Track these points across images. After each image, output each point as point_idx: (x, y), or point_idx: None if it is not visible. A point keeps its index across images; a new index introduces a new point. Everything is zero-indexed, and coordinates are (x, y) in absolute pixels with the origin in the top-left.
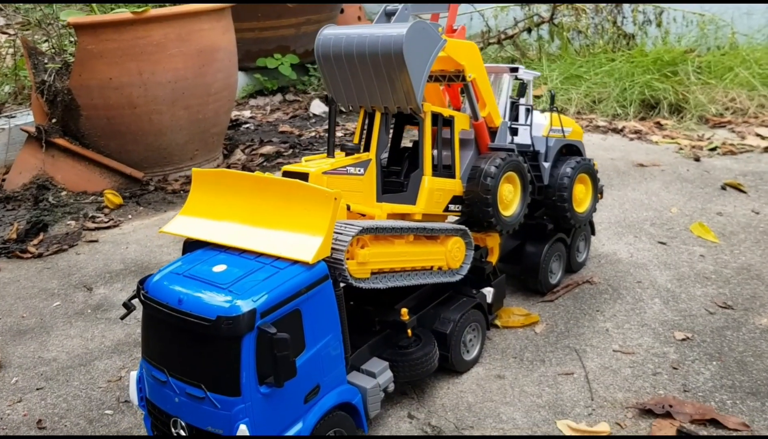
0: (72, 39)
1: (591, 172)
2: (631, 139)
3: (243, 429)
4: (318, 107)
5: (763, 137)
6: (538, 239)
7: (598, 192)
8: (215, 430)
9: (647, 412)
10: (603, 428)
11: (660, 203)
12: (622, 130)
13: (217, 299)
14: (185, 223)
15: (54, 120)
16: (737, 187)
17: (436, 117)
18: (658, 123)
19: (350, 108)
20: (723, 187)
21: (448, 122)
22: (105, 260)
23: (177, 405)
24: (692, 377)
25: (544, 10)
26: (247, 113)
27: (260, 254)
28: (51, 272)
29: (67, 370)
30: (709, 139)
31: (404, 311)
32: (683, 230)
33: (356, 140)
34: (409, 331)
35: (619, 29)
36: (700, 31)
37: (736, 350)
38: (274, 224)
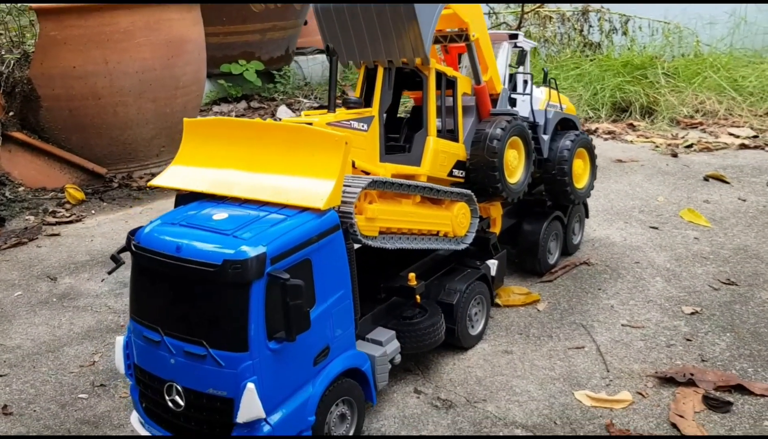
0: (33, 30)
1: (589, 147)
2: (606, 139)
3: (251, 388)
4: (284, 113)
5: (736, 136)
6: (535, 217)
7: (595, 168)
8: (218, 392)
9: (668, 381)
10: (625, 396)
11: (645, 193)
12: (595, 131)
13: (222, 244)
14: (177, 174)
15: (11, 113)
16: (720, 179)
17: (439, 77)
18: (630, 124)
19: (350, 63)
20: (705, 179)
21: (451, 84)
22: (69, 252)
23: (172, 368)
24: (708, 348)
25: (511, 19)
26: None
27: (264, 203)
28: (10, 264)
29: (33, 356)
30: (683, 137)
31: (412, 275)
32: (672, 216)
33: (357, 95)
34: (418, 297)
35: (585, 38)
36: (665, 39)
37: (747, 322)
38: (278, 171)
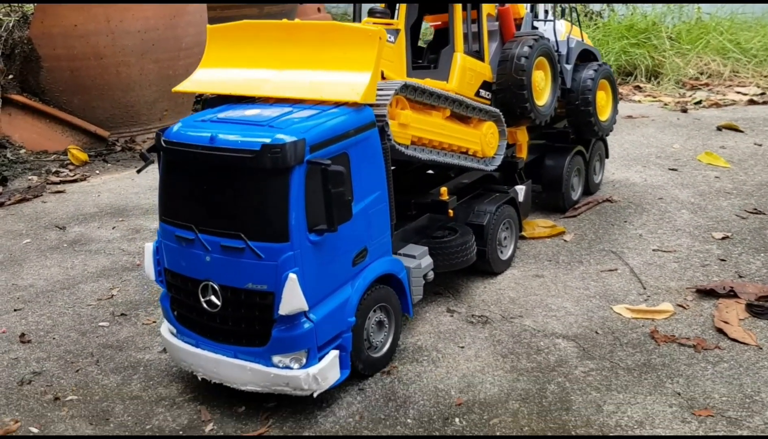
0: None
1: (611, 78)
2: None
3: (293, 278)
4: None
5: (744, 94)
6: (558, 152)
7: (617, 100)
8: (257, 286)
9: (708, 294)
10: (666, 307)
11: (659, 142)
12: None
13: (259, 133)
14: (203, 78)
15: (11, 76)
16: (733, 128)
17: None
18: (637, 86)
19: None
20: (719, 129)
21: (476, 3)
22: (76, 206)
23: (208, 266)
24: (744, 266)
25: None
26: None
27: (298, 102)
28: (16, 217)
29: (48, 293)
30: (692, 96)
31: (444, 190)
32: (690, 160)
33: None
34: (451, 211)
35: (586, 7)
36: (666, 7)
37: None
38: (310, 69)
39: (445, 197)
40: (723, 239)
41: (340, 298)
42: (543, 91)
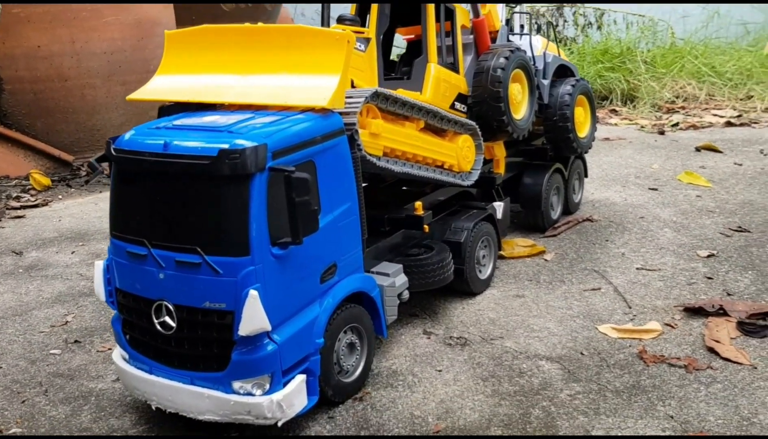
0: None
1: (589, 94)
2: None
3: (254, 295)
4: None
5: (721, 116)
6: (536, 169)
7: (596, 117)
8: (215, 305)
9: (696, 312)
10: (654, 326)
11: (638, 163)
12: None
13: (216, 138)
14: (160, 85)
15: None
16: (712, 149)
17: (438, 5)
18: (613, 110)
19: None
20: (697, 149)
21: (449, 14)
22: (35, 231)
23: (161, 284)
24: (732, 284)
25: None
26: None
27: (262, 108)
28: None
29: None
30: (668, 118)
31: (418, 204)
32: (670, 179)
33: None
34: (426, 226)
35: (560, 34)
36: (640, 33)
37: None
38: (275, 74)
39: (420, 212)
40: (708, 256)
41: (307, 317)
42: (520, 104)
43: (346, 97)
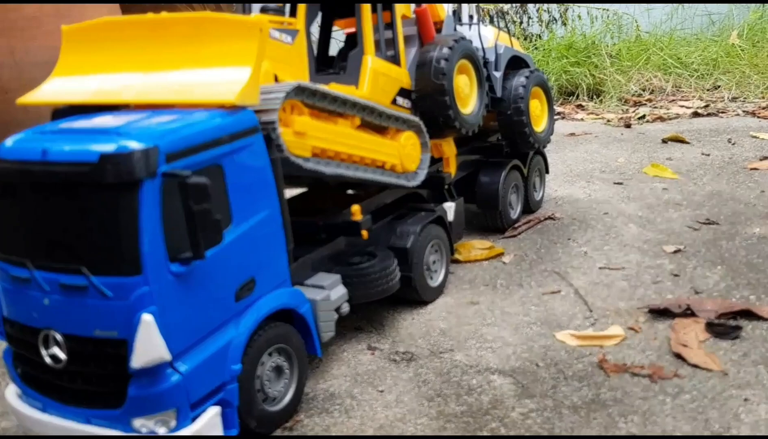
0: None
1: (545, 85)
2: (555, 119)
3: (147, 320)
4: None
5: (688, 107)
6: (492, 167)
7: (553, 110)
8: (106, 333)
9: (662, 313)
10: (616, 331)
11: (603, 158)
12: None
13: (100, 141)
14: (56, 87)
15: None
16: (679, 140)
17: None
18: (579, 105)
19: None
20: (664, 141)
21: (388, 4)
22: None
23: (47, 311)
24: (700, 281)
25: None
26: None
27: (164, 107)
28: None
29: None
30: (634, 112)
31: (356, 208)
32: (636, 173)
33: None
34: (364, 232)
35: (525, 31)
36: (605, 27)
37: (738, 255)
38: (179, 68)
39: (358, 217)
40: (675, 252)
41: (220, 341)
42: (468, 97)
43: (264, 93)
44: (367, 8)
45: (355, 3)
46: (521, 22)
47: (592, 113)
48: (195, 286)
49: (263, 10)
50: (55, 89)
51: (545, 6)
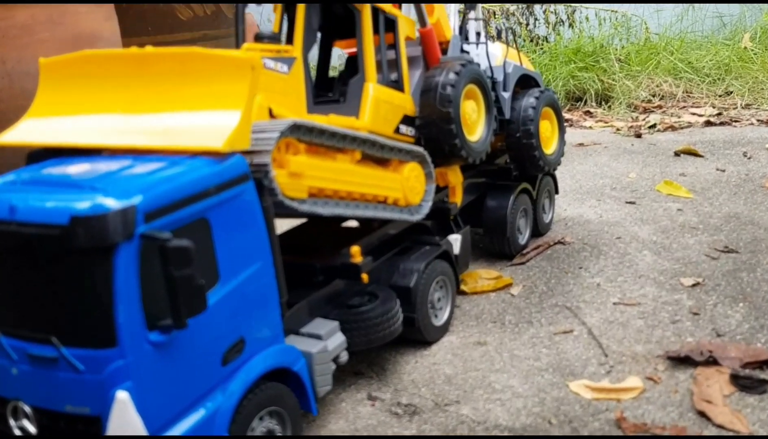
0: None
1: (555, 105)
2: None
3: (122, 399)
4: None
5: (700, 115)
6: (500, 191)
7: (564, 130)
8: (78, 409)
9: (683, 361)
10: (633, 383)
11: (614, 172)
12: None
13: (72, 198)
14: (32, 128)
15: None
16: (692, 153)
17: (376, 15)
18: (587, 112)
19: None
20: (677, 154)
21: (391, 24)
22: None
23: (16, 381)
24: (721, 321)
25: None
26: None
27: (145, 152)
28: None
29: None
30: (644, 120)
31: (355, 249)
32: (649, 190)
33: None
34: (364, 276)
35: (531, 33)
36: (613, 29)
37: (760, 289)
38: (164, 110)
39: (358, 259)
40: (694, 286)
41: (206, 411)
42: (475, 124)
43: (256, 131)
44: (368, 31)
45: (356, 23)
46: (527, 24)
47: (600, 121)
48: (176, 354)
49: (257, 38)
50: (32, 129)
51: (552, 7)
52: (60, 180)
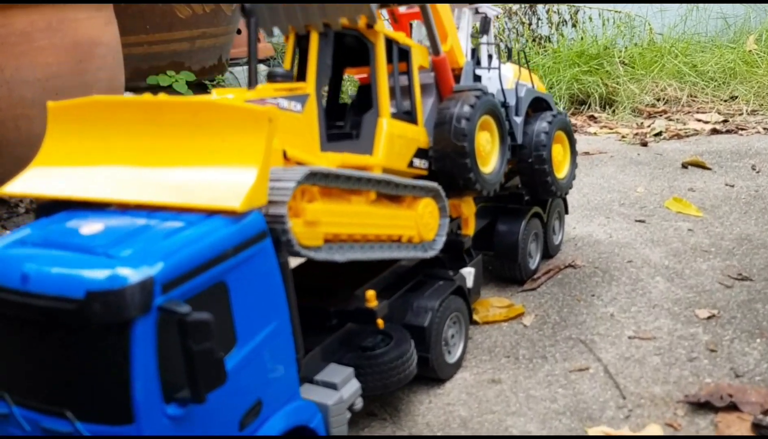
0: None
1: (568, 129)
2: None
3: None
4: None
5: (705, 122)
6: (511, 215)
7: (575, 153)
8: None
9: (703, 406)
10: (654, 431)
11: (621, 185)
12: None
13: (87, 267)
14: (40, 177)
15: None
16: (700, 165)
17: (389, 46)
18: (591, 116)
19: (273, 31)
20: (684, 166)
21: (404, 54)
22: None
23: None
24: (739, 359)
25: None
26: None
27: (158, 208)
28: None
29: None
30: (649, 126)
31: (371, 294)
32: (658, 207)
33: (287, 68)
34: (380, 321)
35: (534, 33)
36: (617, 29)
37: None
38: (177, 164)
39: (373, 304)
40: (709, 318)
41: None
42: (489, 155)
43: (272, 180)
44: (382, 65)
45: (369, 55)
46: (530, 24)
47: (605, 126)
48: (194, 424)
49: (270, 77)
50: (39, 180)
51: (555, 7)
52: (73, 243)
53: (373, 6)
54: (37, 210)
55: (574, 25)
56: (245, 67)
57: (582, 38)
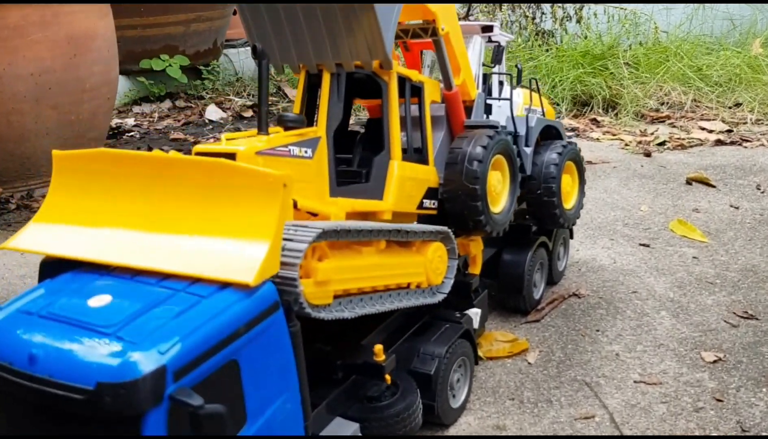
0: None
1: (577, 159)
2: (569, 137)
3: None
4: (214, 113)
5: (709, 131)
6: (517, 245)
7: (584, 183)
8: None
9: None
10: None
11: (625, 202)
12: None
13: (98, 353)
14: (43, 233)
15: None
16: (704, 182)
17: (402, 83)
18: (594, 120)
19: (284, 69)
20: (688, 182)
21: (417, 91)
22: None
23: None
24: (745, 411)
25: (458, 7)
26: (130, 121)
27: (166, 276)
28: None
29: None
30: (652, 134)
31: (379, 348)
32: (662, 229)
33: (297, 110)
34: (388, 376)
35: (537, 27)
36: (621, 26)
37: None
38: (187, 228)
39: (381, 358)
40: (715, 362)
41: None
42: (500, 194)
43: (283, 240)
44: (395, 105)
45: (382, 93)
46: (534, 18)
47: (608, 132)
48: None
49: (280, 121)
50: (43, 236)
51: None
52: (81, 320)
53: (389, 49)
54: (41, 268)
55: (578, 21)
56: (240, 50)
57: (586, 36)
